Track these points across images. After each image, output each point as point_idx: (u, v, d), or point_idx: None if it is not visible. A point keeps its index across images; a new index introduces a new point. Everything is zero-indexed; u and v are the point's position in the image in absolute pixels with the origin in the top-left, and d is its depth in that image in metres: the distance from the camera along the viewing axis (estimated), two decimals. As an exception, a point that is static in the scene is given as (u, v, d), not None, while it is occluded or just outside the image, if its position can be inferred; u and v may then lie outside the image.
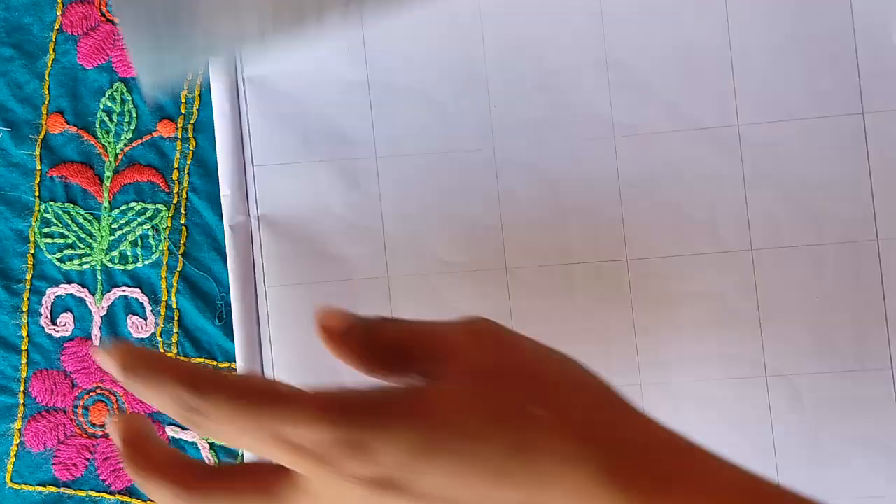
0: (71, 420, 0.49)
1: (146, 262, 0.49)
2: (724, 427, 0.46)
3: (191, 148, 0.49)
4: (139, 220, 0.49)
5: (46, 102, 0.49)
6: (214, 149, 0.48)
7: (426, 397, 0.34)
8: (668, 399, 0.47)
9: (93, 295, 0.49)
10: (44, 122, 0.49)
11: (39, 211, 0.49)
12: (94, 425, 0.49)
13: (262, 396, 0.33)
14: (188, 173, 0.49)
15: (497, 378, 0.35)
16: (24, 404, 0.49)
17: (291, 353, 0.48)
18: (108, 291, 0.49)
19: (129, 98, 0.49)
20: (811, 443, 0.46)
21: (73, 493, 0.49)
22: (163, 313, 0.49)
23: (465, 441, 0.33)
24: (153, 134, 0.49)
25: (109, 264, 0.49)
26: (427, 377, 0.35)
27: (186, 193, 0.49)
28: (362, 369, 0.36)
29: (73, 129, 0.49)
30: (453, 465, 0.32)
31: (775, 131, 0.47)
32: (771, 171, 0.46)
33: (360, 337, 0.35)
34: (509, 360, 0.36)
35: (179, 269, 0.49)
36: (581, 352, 0.47)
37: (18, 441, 0.49)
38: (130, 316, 0.49)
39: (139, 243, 0.49)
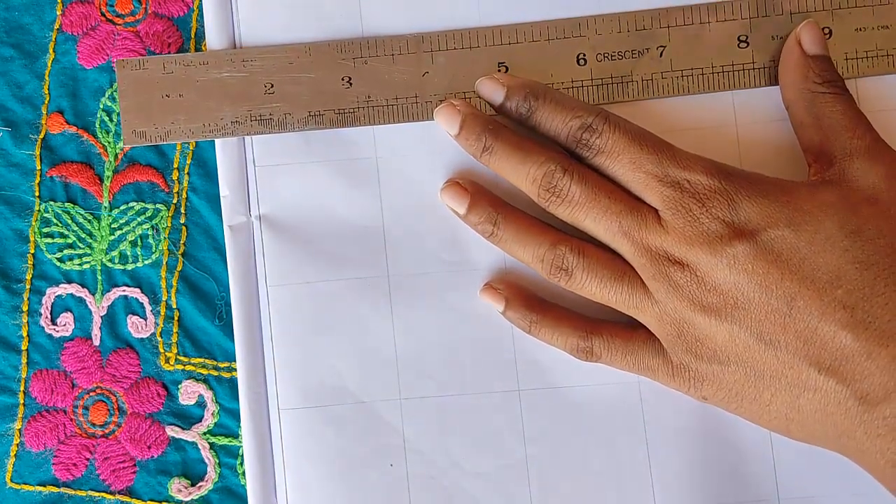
0: (71, 420, 0.49)
1: (146, 262, 0.49)
2: (721, 423, 0.47)
3: (190, 148, 0.49)
4: (139, 219, 0.49)
5: (46, 102, 0.49)
6: (214, 148, 0.48)
7: (799, 192, 0.43)
8: (665, 396, 0.47)
9: (93, 295, 0.49)
10: (44, 121, 0.49)
11: (39, 211, 0.49)
12: (94, 425, 0.49)
13: (659, 141, 0.44)
14: (188, 173, 0.49)
15: (870, 204, 0.42)
16: (24, 404, 0.49)
17: (291, 353, 0.48)
18: (108, 291, 0.49)
19: (129, 98, 0.49)
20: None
21: (73, 493, 0.49)
22: (163, 313, 0.49)
23: (816, 234, 0.41)
24: (153, 134, 0.49)
25: (109, 264, 0.49)
26: (813, 169, 0.44)
27: (186, 193, 0.49)
28: None
29: (73, 129, 0.49)
30: (799, 240, 0.41)
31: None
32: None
33: None
34: (889, 198, 0.42)
35: (179, 268, 0.49)
36: (580, 350, 0.47)
37: (18, 441, 0.49)
38: (130, 316, 0.49)
39: (139, 243, 0.49)
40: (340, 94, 0.48)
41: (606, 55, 0.47)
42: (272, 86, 0.48)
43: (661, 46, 0.47)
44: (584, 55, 0.47)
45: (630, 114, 0.46)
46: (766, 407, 0.43)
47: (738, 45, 0.47)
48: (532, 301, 0.47)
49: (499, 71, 0.47)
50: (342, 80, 0.48)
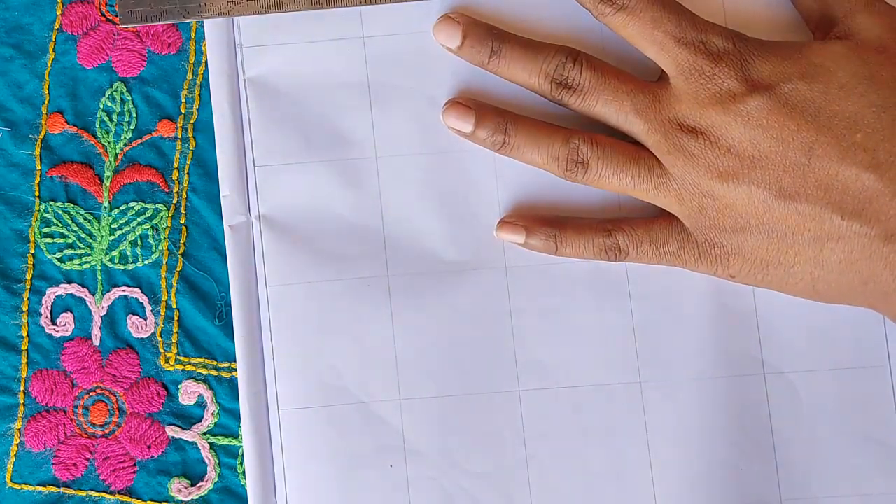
0: (71, 420, 0.49)
1: (146, 262, 0.49)
2: (723, 425, 0.47)
3: (191, 148, 0.49)
4: (139, 219, 0.49)
5: (46, 102, 0.49)
6: (214, 148, 0.48)
7: (810, 48, 0.43)
8: (667, 397, 0.47)
9: (93, 295, 0.49)
10: (44, 121, 0.49)
11: (39, 211, 0.49)
12: (94, 425, 0.49)
13: (679, 4, 0.44)
14: (188, 173, 0.49)
15: (879, 53, 0.42)
16: (24, 404, 0.49)
17: (291, 353, 0.48)
18: (108, 291, 0.49)
19: (129, 98, 0.49)
20: (809, 440, 0.47)
21: (73, 492, 0.49)
22: (163, 313, 0.49)
23: (829, 84, 0.42)
24: (153, 134, 0.49)
25: (109, 264, 0.49)
26: (817, 35, 0.45)
27: (186, 193, 0.49)
28: None
29: (73, 129, 0.49)
30: (813, 92, 0.42)
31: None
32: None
33: None
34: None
35: (179, 268, 0.49)
36: (580, 350, 0.47)
37: (18, 441, 0.49)
38: (130, 316, 0.49)
39: (139, 243, 0.49)
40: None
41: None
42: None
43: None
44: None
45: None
46: (791, 269, 0.43)
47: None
48: (550, 219, 0.47)
49: None
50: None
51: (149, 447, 0.49)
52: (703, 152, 0.43)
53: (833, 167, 0.41)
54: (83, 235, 0.49)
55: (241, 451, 0.48)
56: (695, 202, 0.44)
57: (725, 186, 0.43)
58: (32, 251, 0.49)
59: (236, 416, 0.48)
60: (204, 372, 0.49)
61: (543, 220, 0.47)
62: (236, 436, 0.49)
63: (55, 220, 0.49)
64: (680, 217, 0.45)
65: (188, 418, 0.49)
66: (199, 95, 0.49)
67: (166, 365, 0.49)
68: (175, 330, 0.49)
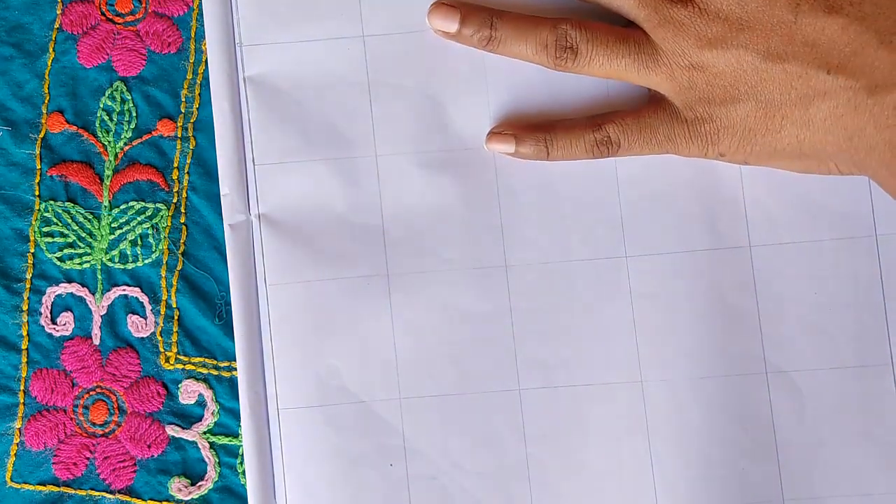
0: (71, 419, 0.49)
1: (146, 262, 0.49)
2: (725, 424, 0.46)
3: (191, 147, 0.49)
4: (139, 219, 0.49)
5: (46, 102, 0.49)
6: (214, 148, 0.48)
7: None
8: (668, 396, 0.47)
9: (93, 294, 0.49)
10: (44, 121, 0.49)
11: (39, 210, 0.49)
12: (94, 424, 0.49)
13: None
14: (188, 172, 0.49)
15: None
16: (24, 403, 0.49)
17: (291, 353, 0.48)
18: (108, 290, 0.49)
19: (129, 97, 0.49)
20: (812, 439, 0.46)
21: (73, 492, 0.49)
22: (163, 312, 0.49)
23: None
24: (153, 133, 0.49)
25: (109, 263, 0.49)
26: None
27: (186, 192, 0.49)
28: None
29: (73, 129, 0.49)
30: None
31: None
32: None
33: None
34: None
35: (179, 268, 0.49)
36: (581, 350, 0.47)
37: (18, 440, 0.49)
38: (130, 315, 0.49)
39: (139, 242, 0.49)
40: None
41: None
42: None
43: None
44: None
45: None
46: (778, 134, 0.43)
47: None
48: (540, 125, 0.47)
49: None
50: None
51: (149, 446, 0.49)
52: (691, 20, 0.43)
53: (819, 22, 0.42)
54: (83, 235, 0.49)
55: (241, 451, 0.48)
56: (684, 76, 0.44)
57: (714, 54, 0.43)
58: (32, 250, 0.49)
59: (236, 415, 0.48)
60: (204, 371, 0.49)
61: (532, 126, 0.47)
62: (236, 435, 0.49)
63: (55, 220, 0.49)
64: (670, 96, 0.45)
65: (188, 417, 0.49)
66: (199, 95, 0.49)
67: (166, 364, 0.49)
68: (175, 329, 0.49)
